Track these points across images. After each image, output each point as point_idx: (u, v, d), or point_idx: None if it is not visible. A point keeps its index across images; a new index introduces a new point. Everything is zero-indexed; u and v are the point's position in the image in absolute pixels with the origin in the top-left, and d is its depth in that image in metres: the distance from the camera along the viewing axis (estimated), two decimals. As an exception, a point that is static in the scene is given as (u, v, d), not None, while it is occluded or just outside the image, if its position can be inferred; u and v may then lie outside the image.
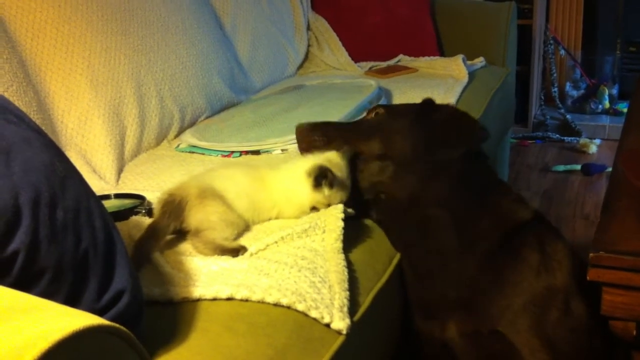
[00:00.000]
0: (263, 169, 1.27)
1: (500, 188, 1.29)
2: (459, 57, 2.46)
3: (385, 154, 1.27)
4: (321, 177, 1.18)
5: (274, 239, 1.13)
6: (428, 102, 1.39)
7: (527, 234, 1.18)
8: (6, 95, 1.33)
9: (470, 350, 1.15)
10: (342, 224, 1.15)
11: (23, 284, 0.68)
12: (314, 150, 1.28)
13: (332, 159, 1.24)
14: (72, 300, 0.72)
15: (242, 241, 1.14)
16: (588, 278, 1.14)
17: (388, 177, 1.25)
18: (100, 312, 0.73)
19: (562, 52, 3.60)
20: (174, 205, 1.12)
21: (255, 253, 1.10)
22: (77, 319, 0.53)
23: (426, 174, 1.23)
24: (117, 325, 0.56)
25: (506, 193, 1.27)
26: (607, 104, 3.59)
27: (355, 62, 2.62)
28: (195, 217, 1.12)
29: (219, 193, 1.16)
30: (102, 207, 0.83)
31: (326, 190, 1.19)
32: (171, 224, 1.10)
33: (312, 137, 1.33)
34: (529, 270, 1.14)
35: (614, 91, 3.63)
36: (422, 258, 1.21)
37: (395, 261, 1.23)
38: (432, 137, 1.27)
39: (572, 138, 3.42)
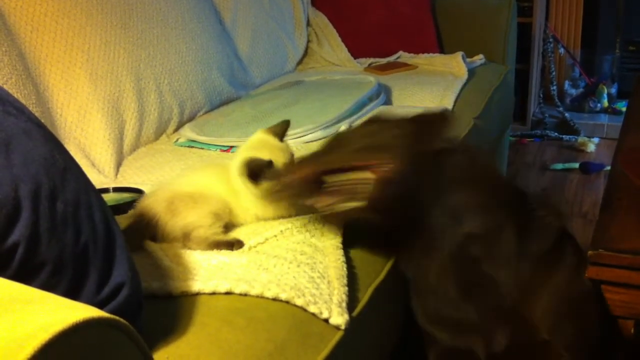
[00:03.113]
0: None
1: (526, 195, 1.27)
2: (459, 54, 2.47)
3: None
4: (255, 172, 1.12)
5: (273, 232, 1.13)
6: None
7: (564, 237, 1.18)
8: (5, 87, 1.32)
9: None
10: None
11: (23, 277, 0.68)
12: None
13: (259, 141, 1.18)
14: (72, 293, 0.72)
15: (242, 234, 1.14)
16: (587, 276, 1.14)
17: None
18: (99, 305, 0.73)
19: (562, 50, 3.60)
20: (143, 224, 1.10)
21: (255, 247, 1.10)
22: (78, 311, 0.53)
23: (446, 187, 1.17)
24: (117, 317, 0.56)
25: (535, 198, 1.26)
26: (605, 103, 3.60)
27: (355, 58, 2.62)
28: (175, 225, 1.10)
29: (191, 194, 1.12)
30: (101, 200, 0.83)
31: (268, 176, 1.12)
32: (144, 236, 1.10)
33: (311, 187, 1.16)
34: (570, 274, 1.13)
35: (613, 90, 3.63)
36: (464, 270, 1.15)
37: (394, 258, 1.23)
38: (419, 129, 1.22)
39: (571, 136, 3.42)
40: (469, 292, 1.14)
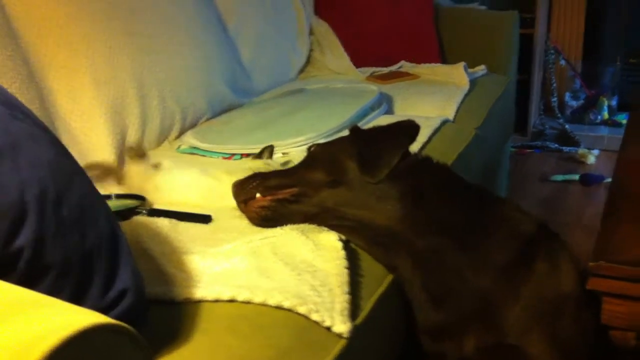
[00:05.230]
0: None
1: (495, 199, 1.28)
2: (461, 65, 2.47)
3: (334, 180, 1.20)
4: None
5: (273, 233, 1.14)
6: (355, 127, 1.36)
7: (535, 245, 1.18)
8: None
9: None
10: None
11: (28, 281, 0.68)
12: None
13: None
14: (76, 298, 0.72)
15: (241, 232, 1.15)
16: (588, 287, 1.14)
17: (345, 202, 1.18)
18: (103, 311, 0.73)
19: (563, 62, 3.61)
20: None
21: (255, 251, 1.09)
22: (85, 317, 0.53)
23: (402, 196, 1.18)
24: (123, 324, 0.56)
25: (504, 204, 1.27)
26: (606, 115, 3.61)
27: (357, 67, 2.63)
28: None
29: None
30: (106, 205, 0.83)
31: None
32: None
33: (248, 187, 1.25)
34: (540, 280, 1.14)
35: (613, 102, 3.64)
36: (433, 279, 1.17)
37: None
38: (369, 144, 1.24)
39: (571, 148, 3.43)
40: (438, 299, 1.16)
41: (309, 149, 1.34)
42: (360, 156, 1.21)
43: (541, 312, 1.13)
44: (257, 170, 1.30)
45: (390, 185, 1.18)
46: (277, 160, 1.52)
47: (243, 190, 1.25)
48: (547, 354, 1.11)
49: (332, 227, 1.19)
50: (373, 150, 1.22)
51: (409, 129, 1.27)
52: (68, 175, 0.78)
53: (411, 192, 1.18)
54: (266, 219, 1.21)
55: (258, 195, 1.23)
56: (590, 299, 1.16)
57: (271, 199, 1.21)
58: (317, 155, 1.29)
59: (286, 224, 1.18)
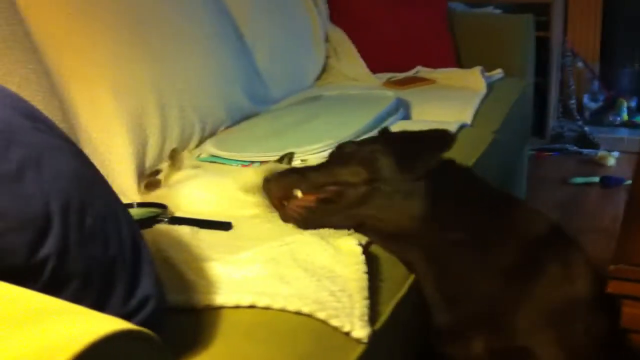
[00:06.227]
0: None
1: (511, 201, 1.29)
2: (477, 69, 2.47)
3: (372, 178, 1.22)
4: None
5: (292, 239, 1.14)
6: (385, 129, 1.43)
7: (547, 246, 1.18)
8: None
9: None
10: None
11: (52, 289, 0.69)
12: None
13: None
14: (98, 305, 0.73)
15: (261, 239, 1.16)
16: (608, 290, 1.14)
17: (379, 203, 1.20)
18: (125, 318, 0.73)
19: (580, 64, 3.59)
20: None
21: (274, 257, 1.10)
22: (108, 323, 0.54)
23: (424, 195, 1.20)
24: (146, 330, 0.58)
25: (519, 206, 1.27)
26: (625, 117, 3.58)
27: (373, 73, 2.63)
28: None
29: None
30: (128, 214, 0.84)
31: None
32: None
33: (286, 183, 1.24)
34: (551, 283, 1.14)
35: (633, 103, 3.62)
36: (446, 278, 1.18)
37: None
38: (407, 144, 1.28)
39: (590, 150, 3.40)
40: (450, 300, 1.17)
41: (337, 147, 1.35)
42: (397, 155, 1.23)
43: (552, 315, 1.13)
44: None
45: (414, 184, 1.21)
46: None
47: (279, 186, 1.23)
48: (557, 357, 1.10)
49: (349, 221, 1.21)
50: (412, 150, 1.25)
51: (447, 136, 1.33)
52: (91, 185, 0.79)
53: (432, 192, 1.20)
54: (307, 220, 1.19)
55: (299, 194, 1.21)
56: (606, 303, 1.15)
57: (316, 199, 1.20)
58: (349, 154, 1.30)
59: (324, 224, 1.19)
